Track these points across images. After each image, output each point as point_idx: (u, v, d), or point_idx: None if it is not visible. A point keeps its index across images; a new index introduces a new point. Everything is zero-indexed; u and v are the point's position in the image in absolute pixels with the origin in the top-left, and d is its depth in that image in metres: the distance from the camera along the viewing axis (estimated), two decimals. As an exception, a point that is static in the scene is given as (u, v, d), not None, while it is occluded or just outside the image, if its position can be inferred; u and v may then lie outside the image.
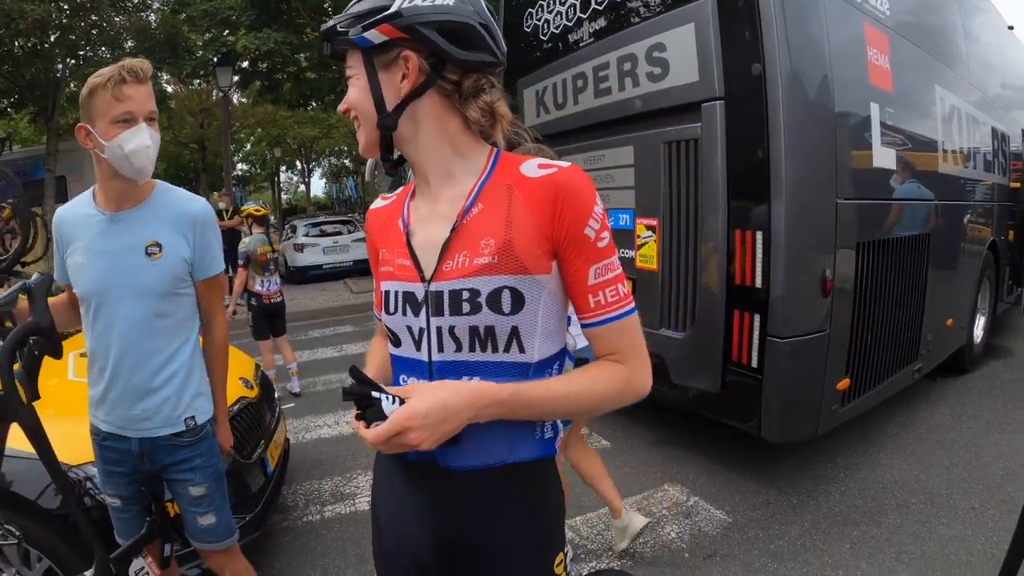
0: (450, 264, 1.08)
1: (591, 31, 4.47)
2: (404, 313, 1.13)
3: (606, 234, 1.08)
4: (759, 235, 3.37)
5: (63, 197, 12.56)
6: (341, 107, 1.16)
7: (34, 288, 1.66)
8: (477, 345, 1.08)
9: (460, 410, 1.00)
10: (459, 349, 1.09)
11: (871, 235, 3.87)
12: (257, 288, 5.89)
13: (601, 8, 4.36)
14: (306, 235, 15.53)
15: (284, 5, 11.47)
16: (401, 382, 1.19)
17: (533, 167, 1.09)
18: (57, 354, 1.67)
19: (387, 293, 1.17)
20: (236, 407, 3.12)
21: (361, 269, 14.44)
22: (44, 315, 1.62)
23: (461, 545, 1.16)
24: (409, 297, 1.12)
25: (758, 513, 3.57)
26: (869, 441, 4.48)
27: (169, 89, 18.32)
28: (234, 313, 5.95)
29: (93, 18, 12.21)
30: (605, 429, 4.85)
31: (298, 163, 39.96)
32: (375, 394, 1.01)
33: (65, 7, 11.74)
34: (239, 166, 35.76)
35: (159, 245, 1.90)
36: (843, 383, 3.72)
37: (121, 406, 1.95)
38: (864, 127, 3.76)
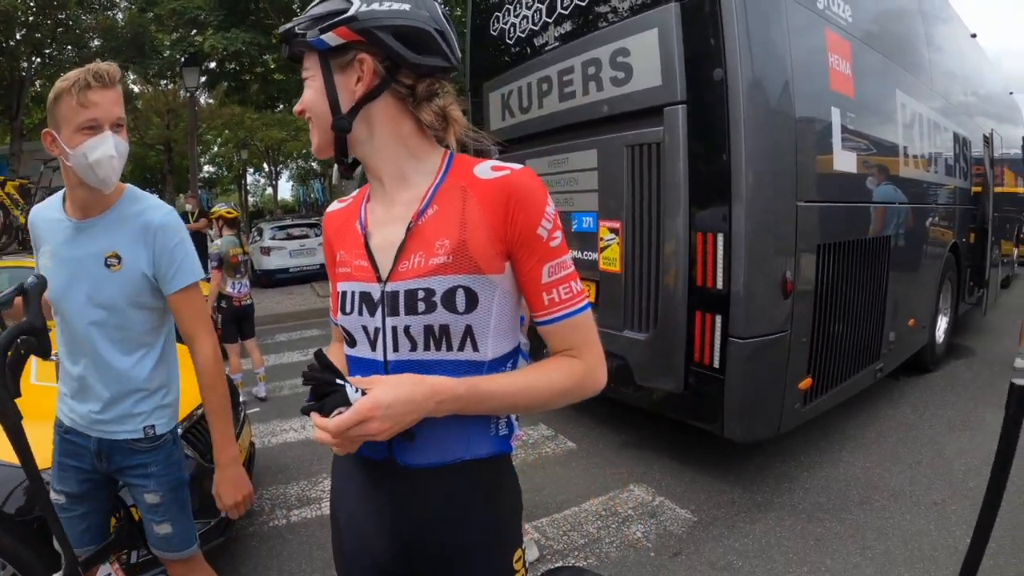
0: (406, 264, 1.10)
1: (557, 35, 4.49)
2: (360, 313, 1.14)
3: (558, 234, 1.11)
4: (720, 237, 3.41)
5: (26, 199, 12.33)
6: (296, 108, 1.17)
7: (29, 290, 1.65)
8: (432, 344, 1.09)
9: (421, 403, 1.02)
10: (414, 348, 1.10)
11: (832, 237, 3.93)
12: (228, 290, 5.84)
13: (567, 13, 4.39)
14: (273, 238, 15.36)
15: (252, 5, 11.33)
16: None
17: (486, 169, 1.11)
18: (45, 354, 1.65)
19: (344, 294, 1.18)
20: (200, 411, 3.07)
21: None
22: (38, 316, 1.61)
23: (420, 544, 1.17)
24: (365, 297, 1.14)
25: (723, 512, 3.61)
26: (832, 439, 4.55)
27: (136, 89, 18.03)
28: (211, 317, 5.89)
29: (60, 16, 11.99)
30: (572, 431, 4.87)
31: (265, 165, 39.52)
32: (339, 381, 1.01)
33: (32, 4, 11.52)
34: (206, 168, 35.07)
35: (118, 257, 1.85)
36: (805, 383, 3.78)
37: (84, 406, 1.92)
38: (825, 131, 3.83)
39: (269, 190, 45.63)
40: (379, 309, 1.12)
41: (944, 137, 6.07)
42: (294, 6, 12.03)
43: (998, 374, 6.17)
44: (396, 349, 1.11)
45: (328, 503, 3.80)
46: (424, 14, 1.09)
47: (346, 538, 1.28)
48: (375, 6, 1.06)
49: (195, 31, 12.03)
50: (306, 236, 15.56)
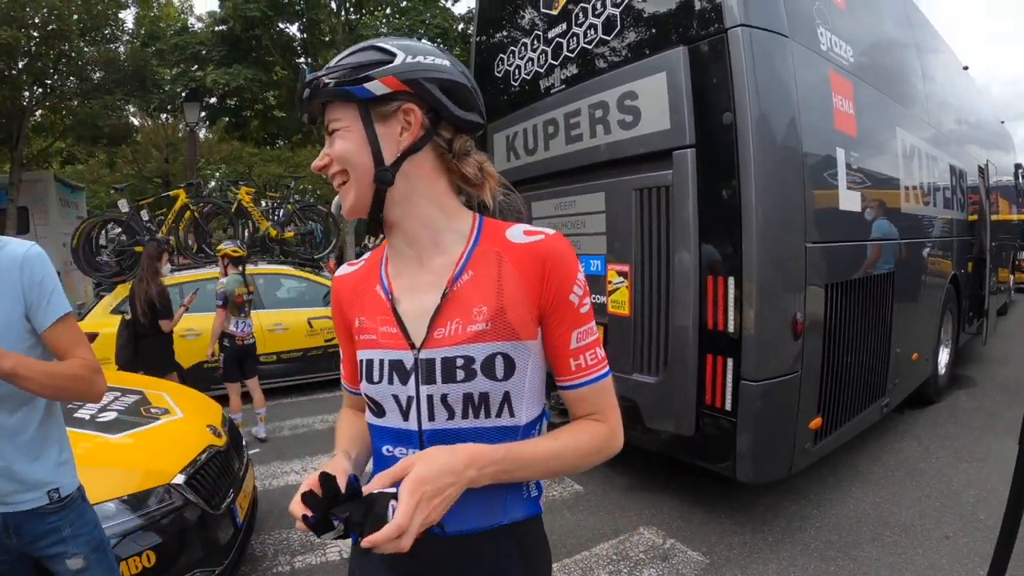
0: (441, 331, 1.08)
1: (563, 78, 4.53)
2: (391, 382, 1.11)
3: (588, 300, 1.12)
4: (731, 280, 3.42)
5: (24, 228, 12.28)
6: (319, 162, 1.13)
7: None
8: (471, 412, 1.07)
9: (462, 471, 0.98)
10: (451, 417, 1.08)
11: (839, 276, 3.95)
12: (231, 329, 5.82)
13: (573, 56, 4.43)
14: None
15: (254, 43, 11.45)
16: (385, 453, 1.16)
17: (519, 233, 1.11)
18: None
19: (369, 362, 1.14)
20: (204, 456, 3.09)
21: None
22: None
23: None
24: (396, 365, 1.10)
25: (735, 553, 3.58)
26: (840, 477, 4.54)
27: (135, 122, 18.06)
28: (212, 355, 5.86)
29: (63, 46, 12.01)
30: (579, 475, 4.80)
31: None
32: (363, 495, 0.95)
33: (35, 34, 11.54)
34: None
35: None
36: (815, 422, 3.78)
37: None
38: (830, 172, 3.86)
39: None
40: (412, 377, 1.09)
41: (941, 170, 6.15)
42: (295, 44, 12.17)
43: (1001, 403, 6.22)
44: (432, 418, 1.09)
45: (332, 548, 3.84)
46: (460, 70, 1.10)
47: None
48: (420, 58, 1.06)
49: (196, 67, 12.09)
50: None
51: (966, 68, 8.37)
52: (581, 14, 4.35)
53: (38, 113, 13.37)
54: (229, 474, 3.26)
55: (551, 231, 1.11)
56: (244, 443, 3.93)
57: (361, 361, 1.16)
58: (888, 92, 4.92)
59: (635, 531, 3.89)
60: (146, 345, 5.44)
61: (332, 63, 1.10)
